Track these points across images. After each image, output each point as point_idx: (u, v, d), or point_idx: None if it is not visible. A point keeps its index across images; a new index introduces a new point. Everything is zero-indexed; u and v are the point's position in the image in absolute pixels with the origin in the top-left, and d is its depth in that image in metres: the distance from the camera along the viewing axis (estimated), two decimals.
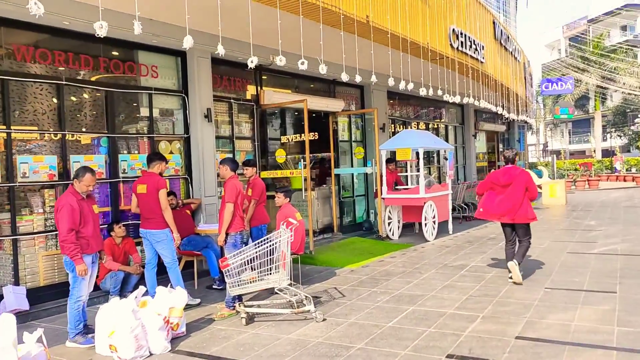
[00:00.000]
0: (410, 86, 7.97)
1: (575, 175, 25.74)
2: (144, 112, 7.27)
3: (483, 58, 11.07)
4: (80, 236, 4.69)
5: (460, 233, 11.01)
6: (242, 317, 5.23)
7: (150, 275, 5.86)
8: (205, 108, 7.70)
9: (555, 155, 26.49)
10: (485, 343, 4.42)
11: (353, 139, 11.61)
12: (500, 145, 21.08)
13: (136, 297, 4.73)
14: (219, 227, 5.69)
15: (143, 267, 6.12)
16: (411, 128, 13.65)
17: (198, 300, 6.09)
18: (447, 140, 15.99)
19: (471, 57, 10.38)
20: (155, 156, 5.97)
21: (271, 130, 10.09)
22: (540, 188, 15.78)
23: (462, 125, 17.18)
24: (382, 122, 11.81)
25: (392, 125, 13.11)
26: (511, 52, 13.92)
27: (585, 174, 27.65)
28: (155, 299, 4.81)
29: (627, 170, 30.42)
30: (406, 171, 11.64)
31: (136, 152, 7.09)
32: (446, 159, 11.48)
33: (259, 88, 8.98)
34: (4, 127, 5.80)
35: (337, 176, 11.02)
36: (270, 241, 5.30)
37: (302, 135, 13.37)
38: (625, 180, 27.69)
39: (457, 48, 9.73)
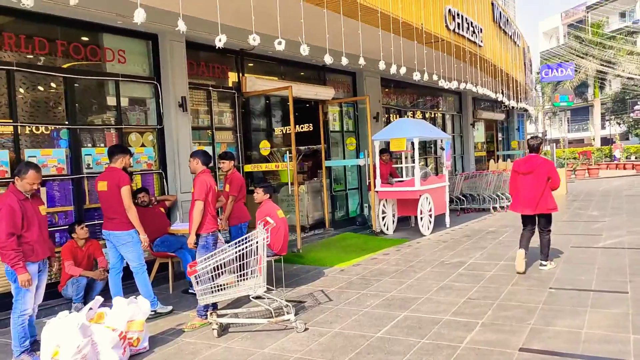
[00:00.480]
0: (403, 70, 7.38)
1: (575, 164, 25.20)
2: (111, 101, 6.68)
3: (481, 41, 10.46)
4: (23, 242, 4.12)
5: (458, 226, 10.46)
6: (213, 329, 4.68)
7: (115, 281, 5.30)
8: (180, 96, 7.11)
9: (554, 144, 25.91)
10: (485, 357, 3.88)
11: (345, 129, 11.02)
12: (500, 135, 20.50)
13: (91, 308, 4.18)
14: (189, 228, 5.13)
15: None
16: (407, 117, 13.05)
17: (169, 308, 5.54)
18: (444, 129, 15.41)
19: (469, 40, 9.77)
20: (117, 149, 5.39)
21: (255, 121, 9.51)
22: None
23: (459, 114, 16.58)
24: (375, 110, 11.22)
25: (387, 114, 12.52)
26: (510, 36, 13.30)
27: (585, 163, 27.12)
28: (112, 312, 4.25)
29: (626, 158, 29.89)
30: (402, 162, 11.06)
31: (102, 145, 6.50)
32: (443, 149, 10.91)
33: (240, 75, 8.38)
34: None
35: (329, 169, 10.45)
36: (244, 243, 4.74)
37: (289, 126, 12.87)
38: (625, 168, 27.15)
39: (454, 30, 9.12)
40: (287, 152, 7.68)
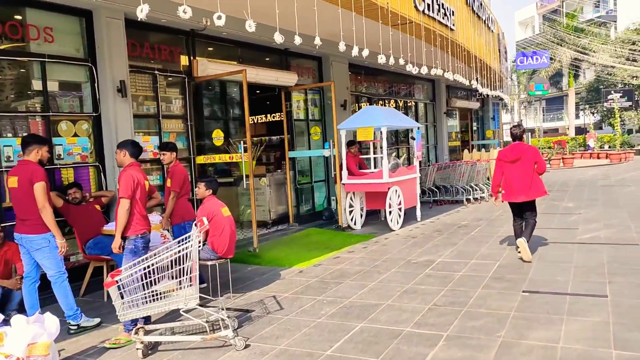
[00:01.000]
0: (366, 53, 6.75)
1: (550, 154, 25.09)
2: (37, 85, 5.90)
3: (453, 25, 9.90)
4: None
5: (429, 220, 9.97)
6: (137, 349, 4.02)
7: (29, 291, 4.59)
8: (119, 80, 6.36)
9: (530, 134, 25.75)
10: None
11: (310, 117, 10.37)
12: (474, 124, 20.11)
13: None
14: (116, 230, 4.45)
15: None
16: (376, 105, 12.46)
17: (96, 321, 4.85)
18: (417, 118, 14.88)
19: (440, 22, 9.20)
20: (32, 139, 4.65)
21: (209, 108, 8.78)
22: None
23: (433, 102, 16.08)
24: (342, 98, 10.60)
25: (357, 102, 11.91)
26: (484, 21, 12.79)
27: (560, 152, 27.06)
28: (11, 332, 3.56)
29: (600, 147, 30.01)
30: (371, 153, 10.47)
31: (26, 134, 5.71)
32: (413, 138, 10.37)
33: (191, 58, 7.64)
34: None
35: (293, 160, 9.81)
36: (179, 245, 4.08)
37: (264, 115, 12.16)
38: (599, 158, 27.21)
39: (424, 11, 8.53)
40: (242, 142, 7.02)
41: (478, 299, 4.89)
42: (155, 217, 5.92)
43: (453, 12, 9.87)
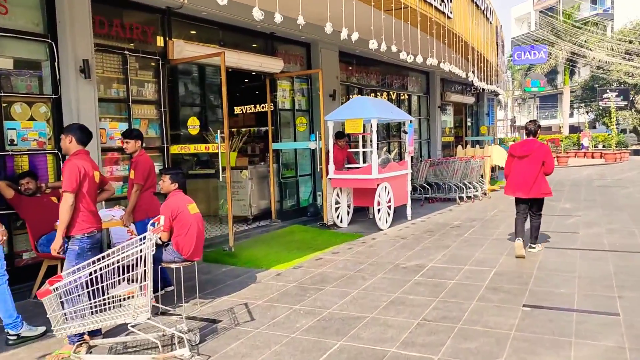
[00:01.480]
0: (355, 37, 6.15)
1: None
2: None
3: (451, 13, 9.32)
4: None
5: (420, 219, 9.44)
6: None
7: None
8: (82, 59, 5.72)
9: (525, 130, 25.29)
10: None
11: (297, 107, 9.76)
12: (469, 119, 19.58)
13: None
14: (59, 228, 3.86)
15: None
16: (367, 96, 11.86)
17: (41, 330, 4.24)
18: (409, 112, 14.31)
19: (437, 9, 8.61)
20: None
21: (186, 94, 8.15)
22: None
23: (427, 95, 15.50)
24: (332, 87, 10.00)
25: (347, 93, 11.31)
26: (483, 11, 12.22)
27: (554, 151, 26.67)
28: None
29: (594, 146, 29.68)
30: (363, 147, 9.91)
31: None
32: (405, 132, 9.81)
33: (167, 38, 7.00)
34: None
35: (277, 152, 9.21)
36: (130, 248, 3.50)
37: (252, 105, 11.51)
38: (593, 157, 26.90)
39: None
40: (219, 131, 6.41)
41: (473, 314, 4.35)
42: (117, 212, 5.33)
43: None
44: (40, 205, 5.28)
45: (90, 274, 3.52)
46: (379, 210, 8.36)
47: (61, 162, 5.80)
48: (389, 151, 13.23)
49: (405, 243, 7.35)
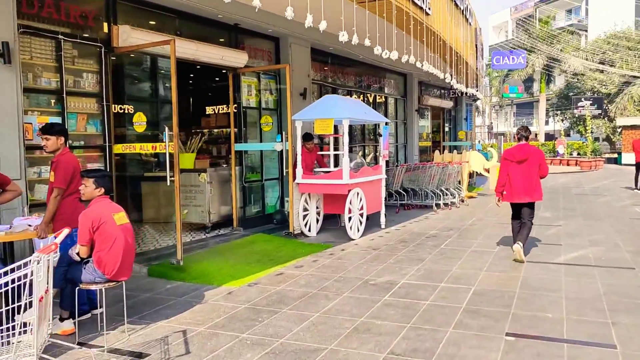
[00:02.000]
0: (323, 26, 5.51)
1: None
2: None
3: (429, 9, 8.76)
4: None
5: (394, 227, 8.82)
6: None
7: None
8: (0, 42, 4.92)
9: (502, 137, 25.09)
10: None
11: (264, 106, 9.05)
12: (447, 124, 19.15)
13: None
14: None
15: None
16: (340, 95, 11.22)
17: None
18: (386, 114, 13.74)
19: (414, 3, 8.03)
20: None
21: (135, 87, 7.35)
22: (488, 172, 13.93)
23: (404, 98, 14.97)
24: (302, 86, 9.33)
25: (319, 92, 10.65)
26: (462, 11, 11.73)
27: None
28: None
29: (569, 154, 29.71)
30: (335, 149, 9.25)
31: None
32: (380, 135, 9.19)
33: (111, 24, 6.23)
34: None
35: (240, 154, 8.48)
36: (17, 272, 2.74)
37: (226, 105, 10.67)
38: (569, 164, 26.87)
39: None
40: (167, 128, 5.67)
41: (449, 345, 3.71)
42: (35, 221, 4.53)
43: None
44: None
45: None
46: (350, 218, 7.70)
47: None
48: (364, 155, 12.62)
49: (377, 255, 6.70)
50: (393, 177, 10.95)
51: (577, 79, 35.12)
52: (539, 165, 6.22)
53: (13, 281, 2.61)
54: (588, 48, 35.49)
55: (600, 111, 30.47)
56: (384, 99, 13.92)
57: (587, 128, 28.81)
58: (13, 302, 2.73)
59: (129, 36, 6.14)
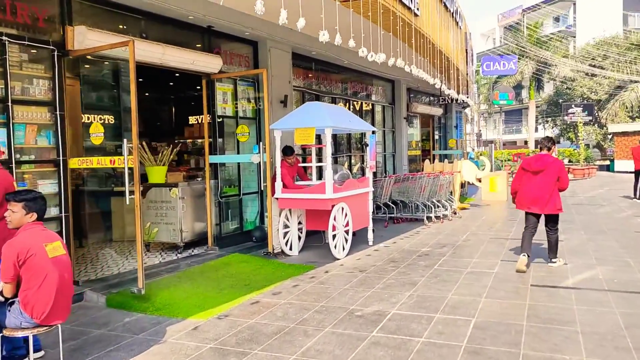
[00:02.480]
0: (301, 24, 4.90)
1: (513, 167, 24.04)
2: None
3: (418, 9, 8.20)
4: None
5: (383, 244, 8.18)
6: None
7: None
8: None
9: (493, 145, 24.67)
10: None
11: (241, 114, 8.40)
12: (436, 132, 18.62)
13: None
14: None
15: None
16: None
17: None
18: (373, 123, 13.15)
19: (401, 2, 7.46)
20: None
21: (94, 95, 6.68)
22: (480, 182, 13.38)
23: (392, 105, 14.40)
24: (283, 93, 8.70)
25: (302, 100, 10.03)
26: (452, 14, 11.22)
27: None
28: None
29: None
30: (319, 160, 8.62)
31: None
32: (367, 144, 8.57)
33: (65, 25, 5.56)
34: None
35: (215, 167, 7.81)
36: None
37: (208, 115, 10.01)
38: None
39: None
40: (125, 140, 5.00)
41: None
42: None
43: None
44: None
45: None
46: (334, 236, 7.04)
47: None
48: (350, 166, 12.01)
49: (364, 278, 6.05)
50: (381, 189, 10.34)
51: (567, 86, 34.98)
52: (557, 177, 6.09)
53: None
54: (577, 54, 35.41)
55: (591, 118, 30.25)
56: (371, 107, 13.34)
57: (579, 135, 28.51)
58: None
59: (85, 38, 5.47)
